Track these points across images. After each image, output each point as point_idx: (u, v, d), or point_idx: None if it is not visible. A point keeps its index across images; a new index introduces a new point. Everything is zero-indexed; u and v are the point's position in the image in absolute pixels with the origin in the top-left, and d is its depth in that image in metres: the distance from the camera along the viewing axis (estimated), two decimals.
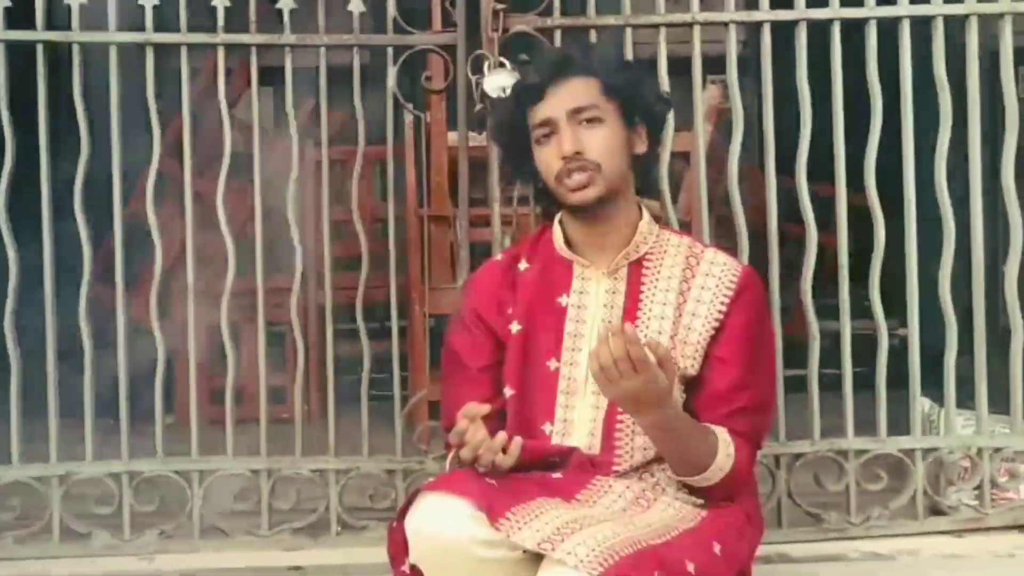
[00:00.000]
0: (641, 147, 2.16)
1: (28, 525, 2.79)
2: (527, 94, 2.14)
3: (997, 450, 2.83)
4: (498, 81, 2.64)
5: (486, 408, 1.96)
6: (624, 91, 2.13)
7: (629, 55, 2.70)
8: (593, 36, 2.78)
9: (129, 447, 2.82)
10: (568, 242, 2.18)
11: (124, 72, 2.82)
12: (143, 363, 2.88)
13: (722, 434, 2.05)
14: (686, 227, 3.04)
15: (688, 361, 2.10)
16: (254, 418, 2.87)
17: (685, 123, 2.84)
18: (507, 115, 2.19)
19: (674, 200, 3.80)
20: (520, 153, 2.17)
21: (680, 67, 2.80)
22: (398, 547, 1.96)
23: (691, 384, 2.11)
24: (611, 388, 1.90)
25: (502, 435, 1.94)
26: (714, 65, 2.94)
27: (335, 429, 2.84)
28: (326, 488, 2.83)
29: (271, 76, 2.89)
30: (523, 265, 2.20)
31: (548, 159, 2.11)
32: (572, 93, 2.10)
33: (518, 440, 1.95)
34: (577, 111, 2.09)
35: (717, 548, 1.97)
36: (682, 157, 3.54)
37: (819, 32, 2.82)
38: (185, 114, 2.85)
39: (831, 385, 2.87)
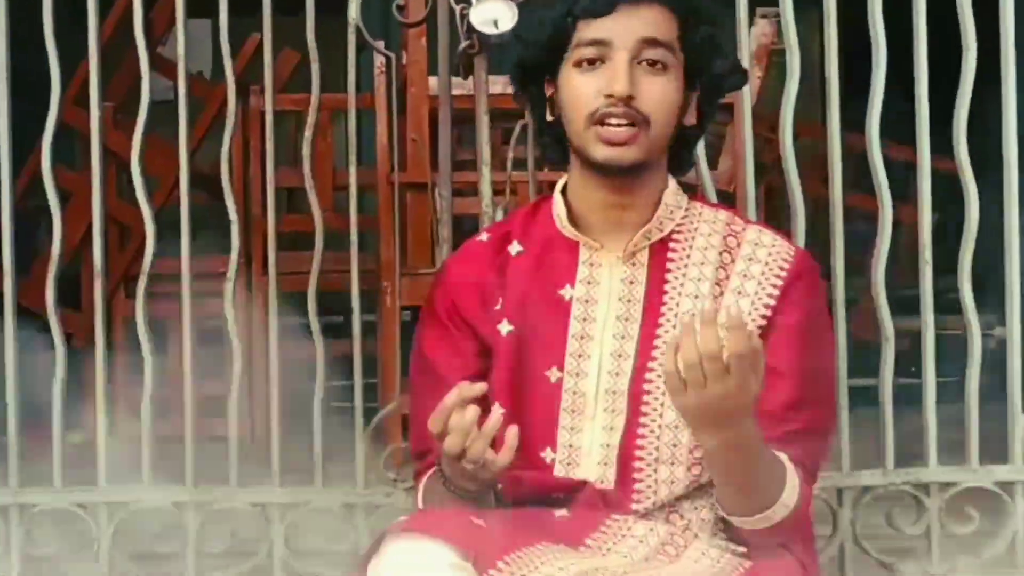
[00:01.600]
0: (692, 118, 2.13)
1: None
2: (592, 1, 2.07)
3: None
4: (489, 11, 2.65)
5: (481, 387, 1.93)
6: (700, 47, 2.09)
7: None
8: None
9: (20, 474, 2.84)
10: (573, 218, 2.14)
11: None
12: (41, 366, 2.91)
13: (787, 462, 2.03)
14: (728, 200, 3.09)
15: None
16: (179, 436, 2.89)
17: None
18: (554, 16, 2.10)
19: (713, 166, 3.95)
20: (543, 67, 2.11)
21: None
22: None
23: None
24: (688, 396, 1.85)
25: (496, 414, 1.91)
26: None
27: (280, 452, 2.86)
28: (268, 526, 2.84)
29: (206, 4, 2.90)
30: (515, 247, 2.16)
31: (586, 91, 2.05)
32: (649, 21, 2.05)
33: (514, 429, 1.92)
34: (647, 43, 2.04)
35: None
36: (724, 110, 3.56)
37: None
38: (92, 49, 2.87)
39: (909, 399, 2.90)
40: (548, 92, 2.11)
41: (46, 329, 2.93)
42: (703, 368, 1.81)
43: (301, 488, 2.84)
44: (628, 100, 2.02)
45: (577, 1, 2.07)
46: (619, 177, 2.08)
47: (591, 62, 2.05)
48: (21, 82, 2.89)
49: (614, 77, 2.02)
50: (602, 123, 2.04)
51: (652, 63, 2.04)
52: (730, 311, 1.82)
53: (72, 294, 3.83)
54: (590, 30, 2.05)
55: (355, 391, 2.90)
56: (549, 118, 2.13)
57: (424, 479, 2.14)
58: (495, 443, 1.93)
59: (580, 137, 2.07)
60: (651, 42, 2.04)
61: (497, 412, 1.92)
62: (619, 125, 2.03)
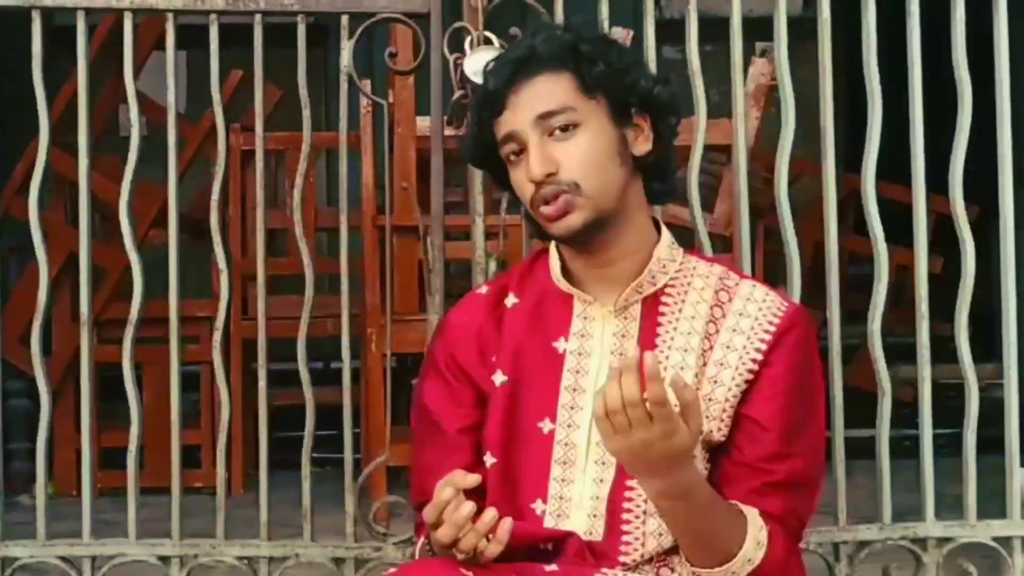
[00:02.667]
0: (644, 145, 2.28)
1: None
2: (486, 106, 2.27)
3: None
4: (483, 62, 2.74)
5: (475, 479, 2.10)
6: (607, 81, 2.25)
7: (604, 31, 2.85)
8: (604, 4, 2.97)
9: (2, 526, 2.99)
10: (566, 272, 2.31)
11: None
12: (15, 414, 3.14)
13: (752, 515, 2.17)
14: (725, 243, 3.23)
15: (714, 423, 2.23)
16: (158, 487, 3.07)
17: (723, 107, 3.03)
18: (474, 130, 2.32)
19: (710, 208, 3.97)
20: (499, 176, 2.33)
21: (716, 31, 2.99)
22: None
23: (716, 452, 2.24)
24: (616, 440, 2.00)
25: (491, 512, 2.07)
26: (762, 29, 3.10)
27: (268, 504, 3.01)
28: None
29: (180, 38, 3.09)
30: (511, 300, 2.34)
31: (520, 183, 2.26)
32: (537, 96, 2.23)
33: (508, 522, 2.07)
34: (544, 117, 2.23)
35: None
36: (720, 151, 3.73)
37: (896, 2, 3.03)
38: (82, 90, 3.06)
39: (907, 451, 3.06)
40: None
41: (16, 375, 3.11)
42: (628, 414, 1.97)
43: (289, 541, 3.00)
44: (549, 177, 2.21)
45: (481, 108, 2.29)
46: (584, 243, 2.26)
47: (516, 155, 2.25)
48: None
49: (529, 164, 2.22)
50: (541, 204, 2.23)
51: (563, 128, 2.22)
52: (646, 359, 1.94)
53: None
54: (500, 128, 2.26)
55: (345, 442, 3.04)
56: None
57: (420, 542, 2.28)
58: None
59: (536, 219, 2.28)
60: (547, 115, 2.22)
61: (492, 511, 2.06)
62: (551, 202, 2.21)
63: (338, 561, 3.02)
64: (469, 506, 2.05)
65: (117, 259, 4.08)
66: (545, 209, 2.22)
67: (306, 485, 3.03)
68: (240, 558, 3.01)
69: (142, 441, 3.08)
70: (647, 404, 1.96)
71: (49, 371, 3.20)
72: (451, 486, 2.07)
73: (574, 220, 2.21)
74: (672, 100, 2.32)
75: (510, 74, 2.25)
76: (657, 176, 2.32)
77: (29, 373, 3.69)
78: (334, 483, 3.14)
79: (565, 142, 2.22)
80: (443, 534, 2.06)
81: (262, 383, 3.06)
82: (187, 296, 3.26)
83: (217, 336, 3.09)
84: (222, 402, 3.07)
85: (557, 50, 2.25)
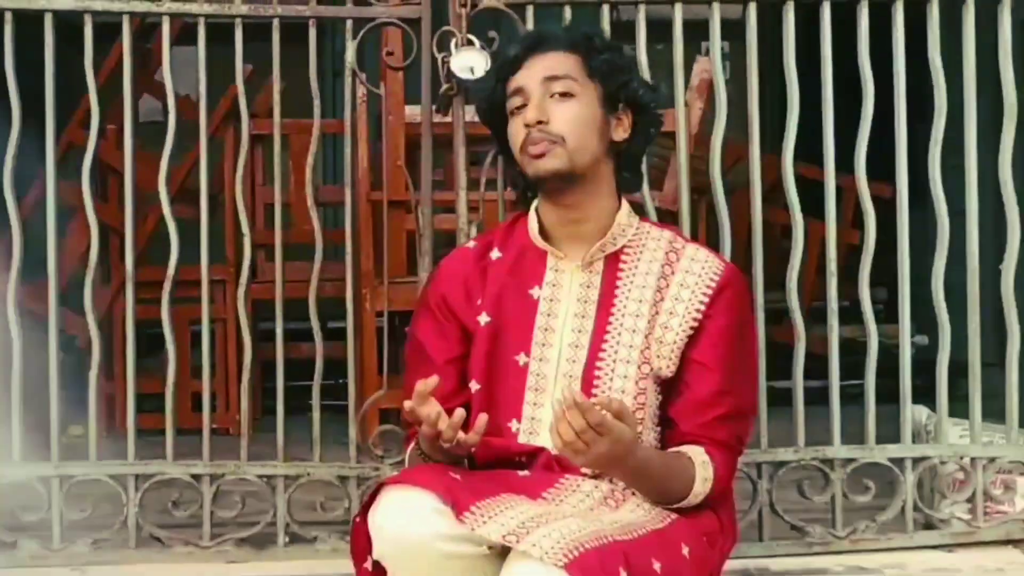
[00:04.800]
0: (622, 134, 2.39)
1: None
2: (505, 65, 2.39)
3: (991, 460, 3.12)
4: (466, 60, 2.88)
5: (434, 380, 2.18)
6: (606, 72, 2.37)
7: (607, 32, 2.95)
8: (567, 13, 3.06)
9: (60, 449, 3.05)
10: (543, 232, 2.40)
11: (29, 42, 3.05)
12: (71, 361, 3.19)
13: (699, 457, 2.28)
14: (673, 217, 3.30)
15: (664, 362, 2.33)
16: (179, 429, 3.12)
17: (671, 99, 3.07)
18: (487, 88, 2.44)
19: (659, 187, 4.06)
20: (501, 131, 2.42)
21: (663, 33, 3.05)
22: (360, 543, 2.18)
23: (667, 385, 2.35)
24: (580, 457, 2.10)
25: (460, 412, 2.18)
26: (703, 30, 3.16)
27: (283, 432, 3.09)
28: (273, 496, 3.06)
29: (188, 35, 3.15)
30: (495, 253, 2.42)
31: (516, 128, 2.36)
32: (548, 63, 2.36)
33: (484, 417, 2.18)
34: (550, 79, 2.34)
35: (686, 551, 2.19)
36: (668, 137, 3.77)
37: (812, 11, 3.11)
38: (127, 91, 3.11)
39: (819, 396, 3.12)
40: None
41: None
42: (582, 439, 2.08)
43: (302, 462, 3.07)
44: (540, 124, 2.32)
45: (499, 67, 2.42)
46: (556, 189, 2.34)
47: (519, 108, 2.36)
48: (28, 104, 3.05)
49: (527, 111, 2.34)
50: (529, 146, 2.33)
51: (562, 94, 2.34)
52: (575, 396, 2.05)
53: (76, 299, 3.96)
54: (511, 84, 2.38)
55: (349, 380, 3.14)
56: (518, 168, 2.41)
57: (410, 447, 2.37)
58: (467, 426, 2.20)
59: (520, 164, 2.37)
60: (553, 78, 2.34)
61: (460, 411, 2.18)
62: (537, 143, 2.32)
63: (343, 479, 3.09)
64: (437, 406, 2.15)
65: (140, 230, 4.15)
66: (532, 148, 2.32)
67: (316, 415, 3.10)
68: (260, 476, 3.08)
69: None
70: (592, 427, 2.07)
71: (69, 324, 3.27)
72: (418, 395, 2.16)
73: (552, 163, 2.32)
74: (653, 103, 2.42)
75: (533, 43, 2.39)
76: (628, 166, 2.43)
77: (67, 331, 3.81)
78: (333, 425, 3.19)
79: (561, 104, 2.34)
80: (425, 428, 2.17)
81: (279, 336, 3.12)
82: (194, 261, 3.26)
83: (241, 291, 3.15)
84: (246, 349, 3.14)
85: (575, 36, 2.40)
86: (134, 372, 3.13)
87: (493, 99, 2.41)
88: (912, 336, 3.22)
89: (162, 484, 3.09)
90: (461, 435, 2.18)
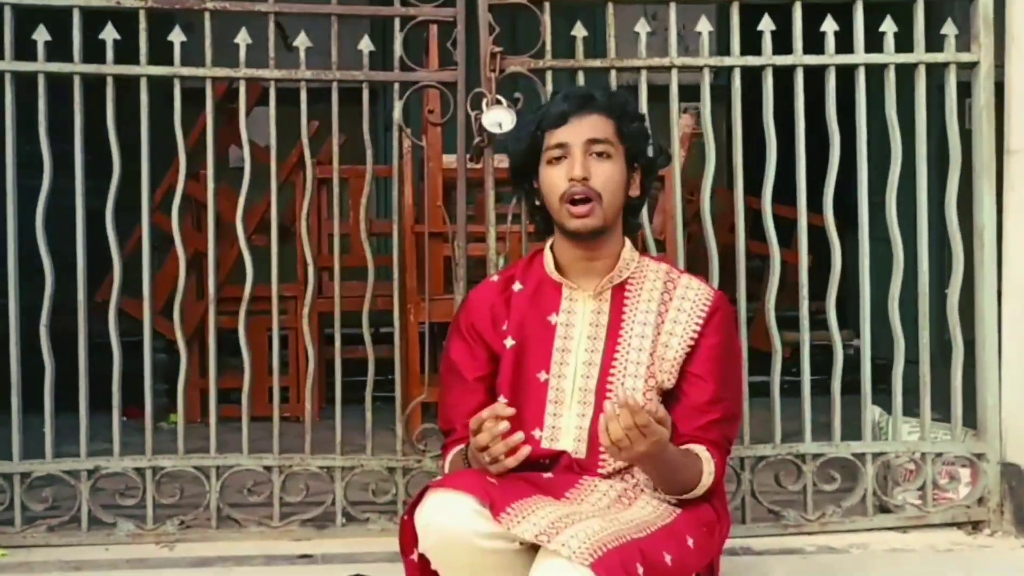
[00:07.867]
0: (635, 190, 2.32)
1: (59, 515, 2.96)
2: (551, 118, 2.27)
3: (938, 455, 3.03)
4: (495, 117, 2.81)
5: (510, 411, 2.09)
6: (634, 137, 2.28)
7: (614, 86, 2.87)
8: (580, 77, 2.96)
9: (152, 443, 2.98)
10: (558, 266, 2.33)
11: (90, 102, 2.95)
12: (156, 364, 3.05)
13: (703, 454, 2.21)
14: (659, 244, 3.21)
15: (665, 375, 2.26)
16: (256, 416, 3.03)
17: (667, 157, 2.95)
18: (527, 132, 2.31)
19: (650, 219, 4.01)
20: (527, 169, 2.31)
21: (657, 94, 2.96)
22: (408, 538, 2.11)
23: (667, 395, 2.27)
24: (625, 453, 2.05)
25: (519, 435, 2.08)
26: (689, 92, 3.07)
27: (341, 429, 3.00)
28: (332, 483, 2.98)
29: (266, 96, 3.04)
30: (517, 286, 2.34)
31: (556, 179, 2.25)
32: (591, 125, 2.25)
33: (527, 449, 2.09)
34: (592, 142, 2.24)
35: (691, 541, 2.14)
36: (658, 180, 3.70)
37: (786, 76, 3.01)
38: (209, 143, 3.03)
39: (792, 391, 3.04)
40: (535, 185, 2.31)
41: (155, 336, 3.02)
42: (629, 437, 2.02)
43: (356, 455, 2.99)
44: (584, 181, 2.22)
45: (543, 119, 2.28)
46: (586, 240, 2.27)
47: (557, 159, 2.25)
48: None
49: (573, 166, 2.23)
50: (571, 201, 2.22)
51: (599, 154, 2.24)
52: (629, 401, 2.00)
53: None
54: (554, 137, 2.26)
55: (396, 384, 3.04)
56: (536, 203, 2.32)
57: (451, 453, 2.29)
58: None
59: (557, 213, 2.26)
60: (595, 141, 2.24)
61: (520, 434, 2.08)
62: (581, 202, 2.21)
63: (391, 470, 3.02)
64: (505, 426, 2.08)
65: (228, 255, 4.13)
66: (575, 208, 2.24)
67: (368, 414, 3.02)
68: (321, 467, 3.01)
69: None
70: (638, 427, 2.02)
71: (166, 331, 3.18)
72: (494, 414, 2.09)
73: (592, 221, 2.25)
74: (660, 167, 2.37)
75: (577, 104, 2.27)
76: (634, 214, 2.36)
77: (166, 336, 3.72)
78: (383, 415, 3.12)
79: (600, 163, 2.25)
80: (480, 439, 2.09)
81: (337, 343, 3.05)
82: (278, 282, 3.20)
83: (307, 307, 3.06)
84: (309, 355, 3.05)
85: (613, 103, 2.29)
86: (215, 378, 3.03)
87: (533, 144, 2.30)
88: (852, 340, 3.16)
89: (238, 473, 3.01)
90: (505, 459, 2.08)
